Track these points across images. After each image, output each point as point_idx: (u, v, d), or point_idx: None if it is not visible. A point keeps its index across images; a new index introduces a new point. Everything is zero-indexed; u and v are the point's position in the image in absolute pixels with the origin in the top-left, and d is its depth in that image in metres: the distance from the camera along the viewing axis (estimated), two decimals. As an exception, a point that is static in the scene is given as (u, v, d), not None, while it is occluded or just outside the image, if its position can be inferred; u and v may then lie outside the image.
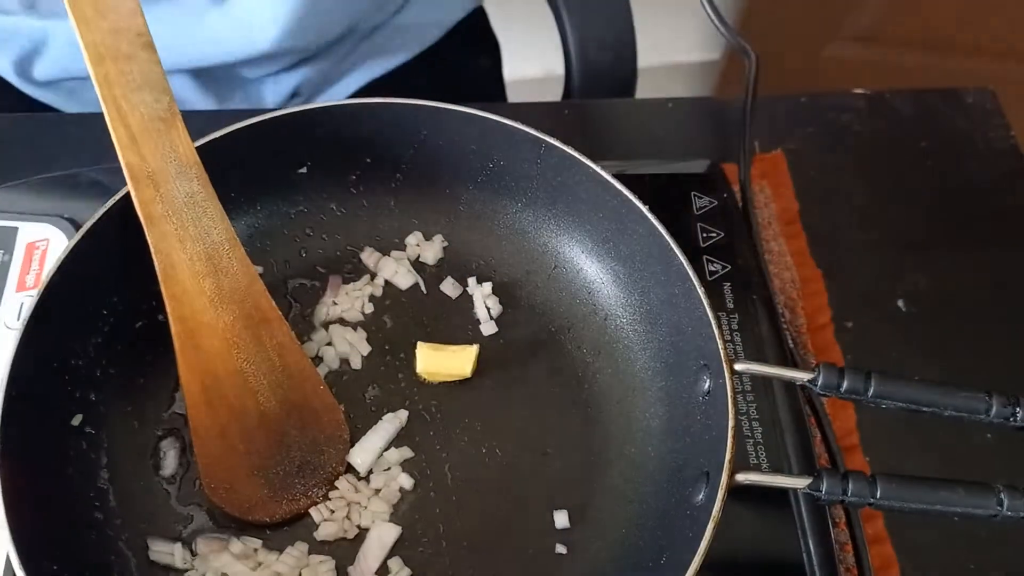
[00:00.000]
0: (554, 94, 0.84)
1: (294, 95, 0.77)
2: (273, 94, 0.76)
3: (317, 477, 0.47)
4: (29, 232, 0.56)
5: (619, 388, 0.51)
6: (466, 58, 0.87)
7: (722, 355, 0.43)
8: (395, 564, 0.45)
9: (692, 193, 0.58)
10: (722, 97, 0.75)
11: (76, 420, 0.46)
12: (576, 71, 0.80)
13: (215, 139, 0.49)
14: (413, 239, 0.55)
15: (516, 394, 0.51)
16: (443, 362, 0.50)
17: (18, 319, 0.52)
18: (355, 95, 0.79)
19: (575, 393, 0.51)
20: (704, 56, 1.67)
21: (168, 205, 0.45)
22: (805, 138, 0.70)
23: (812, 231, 0.65)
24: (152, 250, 0.45)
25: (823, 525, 0.48)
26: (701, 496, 0.42)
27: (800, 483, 0.41)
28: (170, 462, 0.47)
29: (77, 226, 0.55)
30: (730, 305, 0.54)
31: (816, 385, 0.42)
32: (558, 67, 0.83)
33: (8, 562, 0.43)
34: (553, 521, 0.47)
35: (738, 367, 0.43)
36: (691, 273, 0.45)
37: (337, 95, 0.79)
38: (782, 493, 0.49)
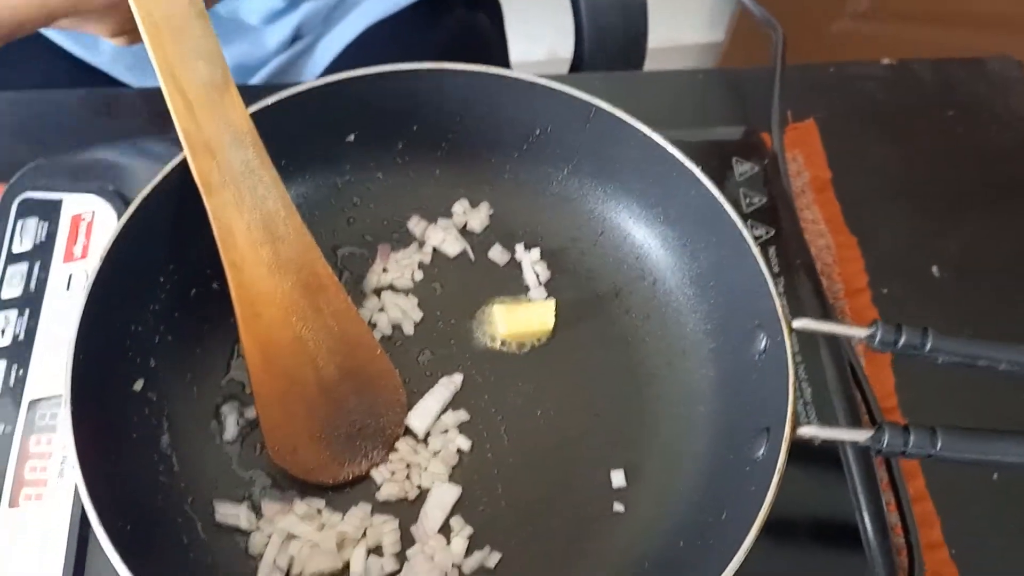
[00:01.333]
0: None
1: (295, 39, 0.77)
2: (274, 37, 0.76)
3: (377, 440, 0.48)
4: (74, 204, 0.56)
5: (668, 351, 0.51)
6: (467, 12, 0.87)
7: (780, 313, 0.44)
8: (457, 523, 0.46)
9: (733, 158, 0.58)
10: (747, 68, 0.76)
11: (138, 385, 0.46)
12: (587, 37, 0.80)
13: (265, 107, 0.49)
14: (459, 207, 0.55)
15: (566, 358, 0.52)
16: (524, 320, 0.51)
17: (67, 289, 0.52)
18: (357, 40, 0.79)
19: (624, 356, 0.52)
20: (708, 37, 1.68)
21: (225, 173, 0.46)
22: (833, 108, 0.71)
23: (845, 199, 0.66)
24: (211, 218, 0.45)
25: (873, 484, 0.49)
26: (762, 451, 0.43)
27: (861, 435, 0.41)
28: (231, 427, 0.48)
29: (122, 197, 0.55)
30: (776, 269, 0.54)
31: (875, 341, 0.43)
32: (561, 50, 0.83)
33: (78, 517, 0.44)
34: (610, 480, 0.48)
35: (796, 324, 0.44)
36: (746, 234, 0.46)
37: (339, 38, 0.78)
38: (833, 455, 0.50)
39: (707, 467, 0.47)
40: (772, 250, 0.55)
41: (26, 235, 0.54)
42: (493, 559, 0.45)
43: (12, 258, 0.53)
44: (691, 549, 0.44)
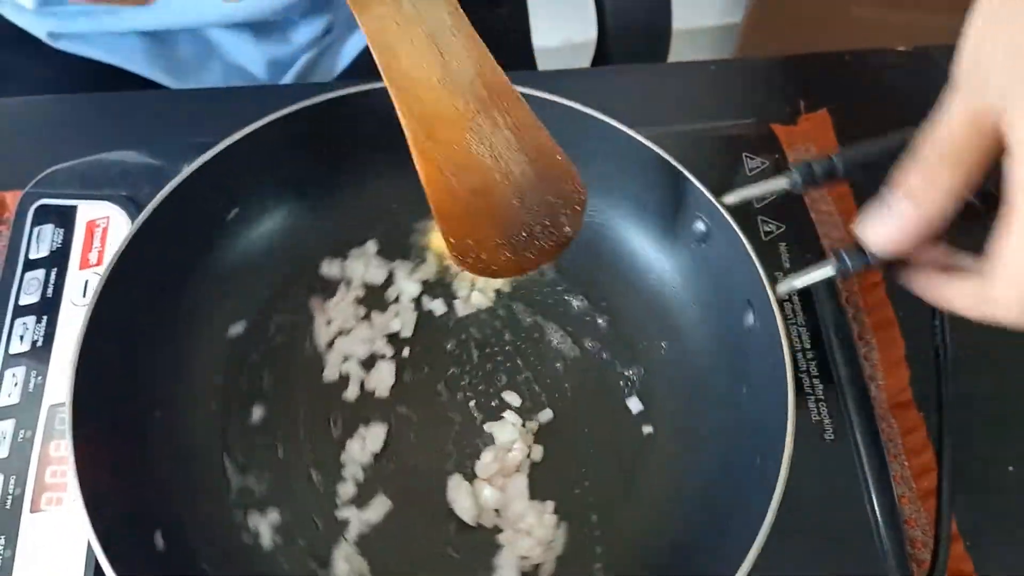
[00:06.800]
0: (579, 62, 0.84)
1: (325, 33, 0.77)
2: (306, 33, 0.76)
3: (553, 239, 0.45)
4: (89, 210, 0.56)
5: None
6: (488, 8, 0.86)
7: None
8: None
9: (744, 154, 0.58)
10: (759, 58, 0.75)
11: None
12: (610, 30, 0.79)
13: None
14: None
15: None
16: None
17: (84, 296, 0.53)
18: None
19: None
20: (724, 20, 1.66)
21: None
22: (849, 96, 0.70)
23: (859, 190, 0.65)
24: (369, 42, 0.41)
25: (884, 475, 0.49)
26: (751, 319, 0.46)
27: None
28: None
29: (136, 204, 0.56)
30: (787, 264, 0.54)
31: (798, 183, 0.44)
32: (576, 35, 0.82)
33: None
34: (629, 409, 0.51)
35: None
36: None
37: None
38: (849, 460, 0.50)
39: (712, 348, 0.50)
40: (783, 245, 0.55)
41: (42, 241, 0.55)
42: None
43: (29, 264, 0.54)
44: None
